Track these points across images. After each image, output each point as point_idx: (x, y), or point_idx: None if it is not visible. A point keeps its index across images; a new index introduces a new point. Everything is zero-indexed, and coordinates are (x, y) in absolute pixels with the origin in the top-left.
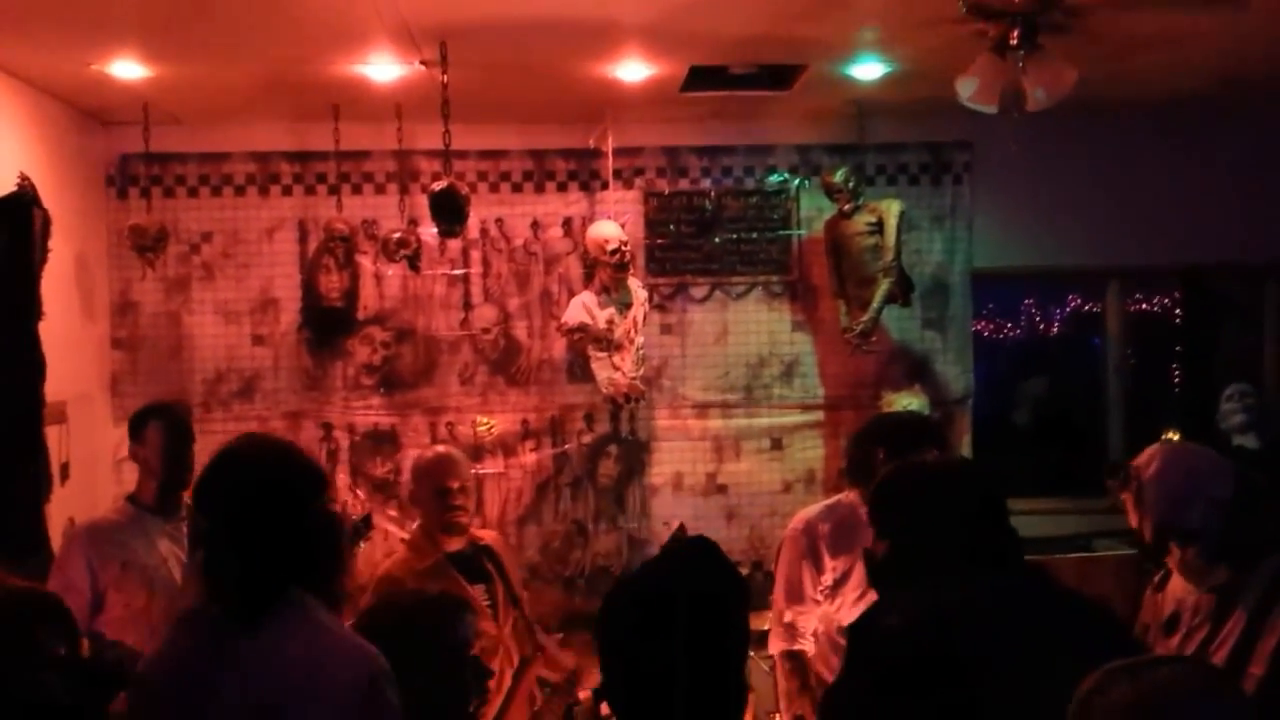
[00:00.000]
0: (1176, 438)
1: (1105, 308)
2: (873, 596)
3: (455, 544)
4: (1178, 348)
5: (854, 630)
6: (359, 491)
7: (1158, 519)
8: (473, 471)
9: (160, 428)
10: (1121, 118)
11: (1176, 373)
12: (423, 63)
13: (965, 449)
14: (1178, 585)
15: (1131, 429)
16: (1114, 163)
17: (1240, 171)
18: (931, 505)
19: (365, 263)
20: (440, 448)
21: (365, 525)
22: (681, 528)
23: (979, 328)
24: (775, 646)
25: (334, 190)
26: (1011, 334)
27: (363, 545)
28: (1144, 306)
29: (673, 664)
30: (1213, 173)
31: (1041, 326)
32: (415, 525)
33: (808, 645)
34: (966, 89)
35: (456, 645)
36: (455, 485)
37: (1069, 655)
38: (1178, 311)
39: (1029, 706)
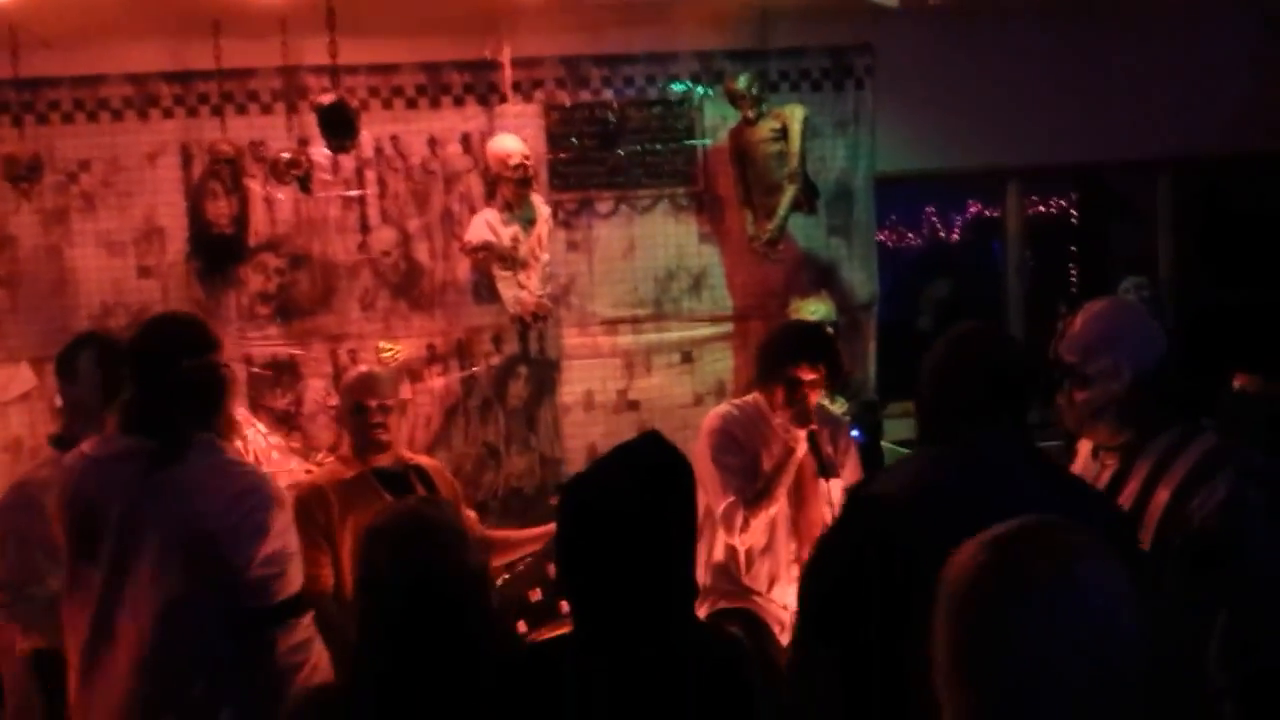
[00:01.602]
0: None
1: (1004, 209)
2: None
3: (382, 460)
4: (1073, 248)
5: (851, 491)
6: (259, 425)
7: (1063, 359)
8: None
9: (94, 360)
10: (1017, 17)
11: (1074, 273)
12: None
13: (871, 354)
14: (1080, 467)
15: (1031, 329)
16: (1011, 63)
17: (1132, 67)
18: (945, 366)
19: (254, 186)
20: (364, 366)
21: None
22: None
23: (882, 237)
24: (731, 537)
25: (217, 111)
26: (913, 242)
27: None
28: (1041, 209)
29: (627, 553)
30: (1106, 70)
31: (942, 234)
32: (345, 441)
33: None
34: None
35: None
36: (374, 403)
37: None
38: (1074, 213)
39: None
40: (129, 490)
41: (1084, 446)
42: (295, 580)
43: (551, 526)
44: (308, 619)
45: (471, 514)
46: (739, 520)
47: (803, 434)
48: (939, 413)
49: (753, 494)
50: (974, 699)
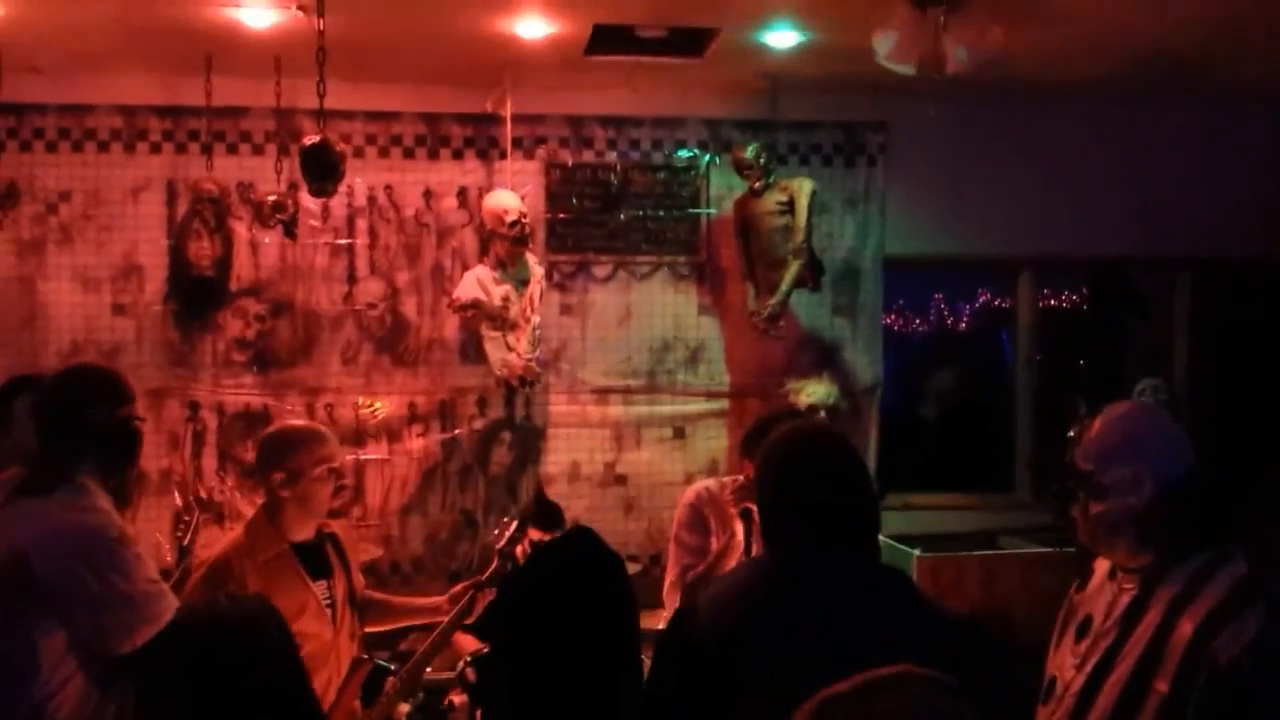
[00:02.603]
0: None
1: (1016, 298)
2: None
3: (304, 533)
4: (1082, 344)
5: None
6: (227, 478)
7: (1078, 466)
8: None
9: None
10: (1038, 103)
11: (1084, 369)
12: (300, 8)
13: (873, 441)
14: (1096, 587)
15: (1040, 424)
16: (1030, 149)
17: (1154, 161)
18: (778, 468)
19: (240, 229)
20: (299, 422)
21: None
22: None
23: (888, 321)
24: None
25: (206, 149)
26: (919, 329)
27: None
28: (1052, 303)
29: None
30: (1127, 163)
31: (950, 321)
32: (259, 505)
33: None
34: (883, 45)
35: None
36: (338, 464)
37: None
38: (1084, 308)
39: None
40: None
41: (1100, 565)
42: (153, 621)
43: (438, 600)
44: None
45: (359, 578)
46: (673, 601)
47: (735, 514)
48: (778, 517)
49: (692, 576)
50: None
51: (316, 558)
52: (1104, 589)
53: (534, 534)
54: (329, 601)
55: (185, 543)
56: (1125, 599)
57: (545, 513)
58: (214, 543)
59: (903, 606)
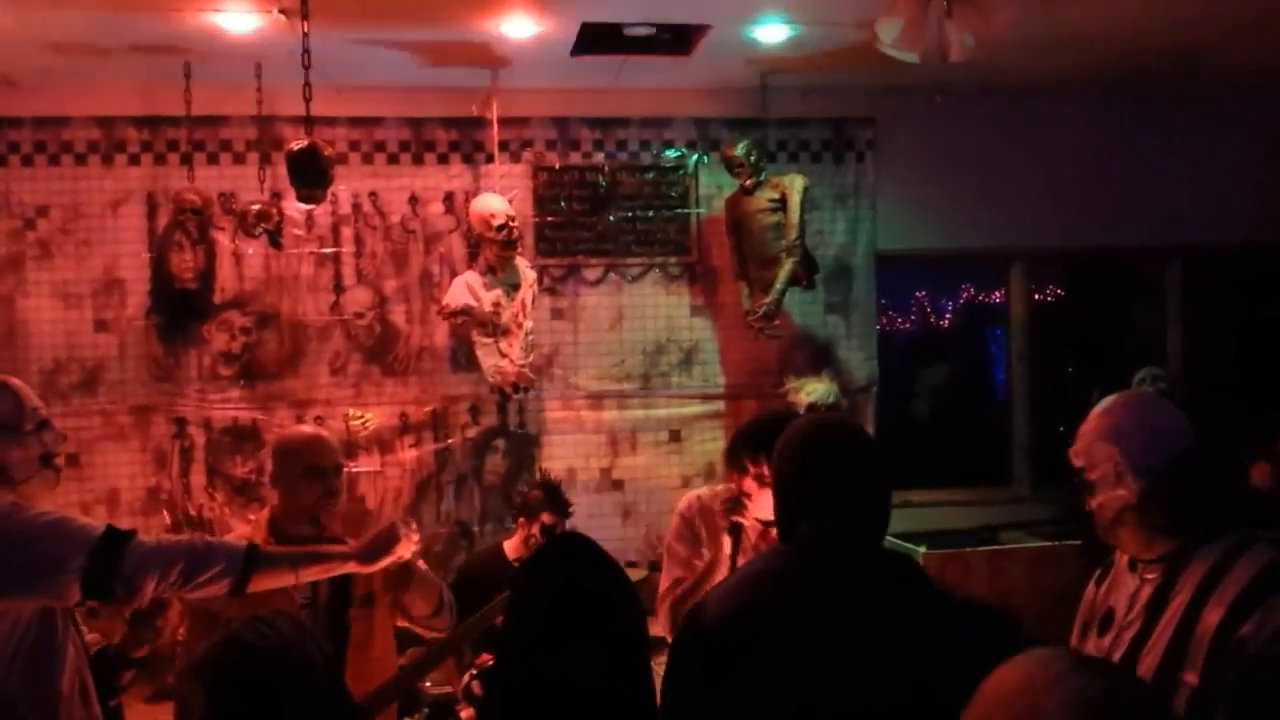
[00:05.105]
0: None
1: (1009, 291)
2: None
3: (294, 529)
4: (1066, 337)
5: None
6: (216, 495)
7: (1071, 463)
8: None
9: None
10: (1024, 96)
11: (1069, 361)
12: (281, 11)
13: None
14: (1117, 579)
15: (1036, 417)
16: (1018, 142)
17: (1144, 153)
18: (790, 462)
19: (222, 239)
20: (307, 427)
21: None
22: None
23: None
24: (664, 629)
25: (186, 159)
26: (902, 326)
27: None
28: (1035, 296)
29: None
30: (1117, 154)
31: (933, 318)
32: (263, 511)
33: None
34: (888, 33)
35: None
36: (332, 467)
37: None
38: (1066, 300)
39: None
40: None
41: (1122, 556)
42: (78, 540)
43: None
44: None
45: (414, 601)
46: (664, 610)
47: (723, 526)
48: (791, 510)
49: (681, 591)
50: None
51: None
52: (1126, 580)
53: (545, 518)
54: (307, 601)
55: None
56: (1148, 590)
57: (553, 496)
58: None
59: (918, 597)
